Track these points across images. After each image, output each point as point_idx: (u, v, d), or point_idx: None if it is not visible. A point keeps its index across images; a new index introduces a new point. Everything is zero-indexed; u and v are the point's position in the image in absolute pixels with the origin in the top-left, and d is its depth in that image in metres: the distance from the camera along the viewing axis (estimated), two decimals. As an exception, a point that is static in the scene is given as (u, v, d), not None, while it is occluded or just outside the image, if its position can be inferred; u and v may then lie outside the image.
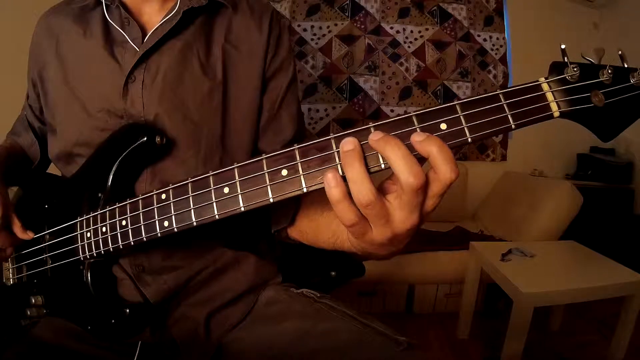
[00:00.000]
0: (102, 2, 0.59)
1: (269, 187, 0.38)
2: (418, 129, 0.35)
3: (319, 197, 0.59)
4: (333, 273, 0.69)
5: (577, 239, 1.77)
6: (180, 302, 0.59)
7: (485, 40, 2.59)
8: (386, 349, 0.51)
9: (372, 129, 0.36)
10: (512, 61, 2.61)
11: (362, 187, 0.34)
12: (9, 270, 0.64)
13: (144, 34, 0.58)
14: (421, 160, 0.34)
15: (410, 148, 0.34)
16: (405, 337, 0.52)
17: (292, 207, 0.62)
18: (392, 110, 2.54)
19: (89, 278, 0.54)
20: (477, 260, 1.66)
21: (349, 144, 0.35)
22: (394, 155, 0.33)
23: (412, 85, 2.55)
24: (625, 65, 0.36)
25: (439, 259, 1.85)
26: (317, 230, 0.58)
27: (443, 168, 0.33)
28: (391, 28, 2.56)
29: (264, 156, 0.39)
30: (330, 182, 0.34)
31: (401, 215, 0.35)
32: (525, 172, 2.45)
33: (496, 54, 2.60)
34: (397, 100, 2.55)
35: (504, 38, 2.61)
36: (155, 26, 0.58)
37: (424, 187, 0.34)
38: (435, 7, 2.56)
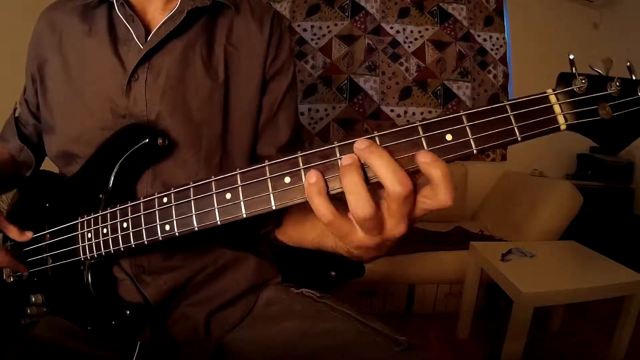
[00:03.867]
0: (106, 0, 0.59)
1: (271, 194, 0.38)
2: (423, 139, 0.35)
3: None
4: (333, 273, 0.69)
5: (577, 239, 1.77)
6: (180, 302, 0.60)
7: (485, 40, 2.60)
8: (386, 349, 0.51)
9: (376, 138, 0.35)
10: (512, 61, 2.61)
11: (359, 200, 0.33)
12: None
13: (148, 32, 0.58)
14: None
15: (412, 161, 0.34)
16: (405, 337, 0.52)
17: (277, 211, 0.62)
18: (392, 110, 2.54)
19: (90, 279, 0.54)
20: (477, 260, 1.66)
21: (349, 158, 0.34)
22: (378, 163, 0.33)
23: (412, 85, 2.55)
24: (633, 77, 0.35)
25: (439, 259, 1.85)
26: (302, 233, 0.58)
27: (442, 194, 0.33)
28: (391, 28, 2.56)
29: (267, 163, 0.39)
30: (310, 179, 0.35)
31: (391, 222, 0.35)
32: (525, 172, 2.45)
33: (496, 54, 2.60)
34: (397, 100, 2.54)
35: (504, 38, 2.61)
36: (158, 24, 0.58)
37: (412, 194, 0.33)
38: (435, 7, 2.57)
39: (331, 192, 0.36)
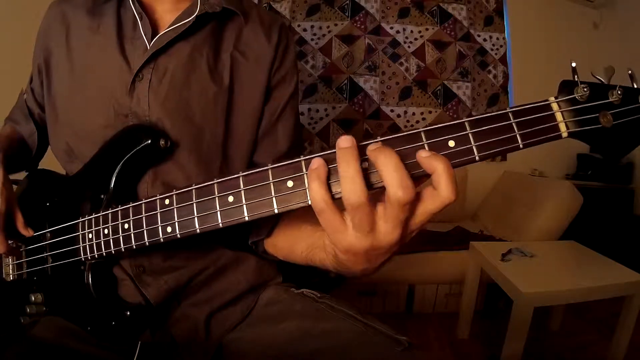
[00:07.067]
0: None
1: (274, 198, 0.38)
2: (426, 145, 0.35)
3: (299, 213, 0.59)
4: (333, 273, 0.69)
5: (577, 239, 1.77)
6: (181, 302, 0.60)
7: (485, 40, 2.60)
8: (386, 349, 0.51)
9: (379, 144, 0.35)
10: (512, 61, 2.61)
11: (355, 186, 0.33)
12: (9, 266, 0.64)
13: (155, 32, 0.58)
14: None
15: (415, 166, 0.34)
16: (405, 337, 0.52)
17: (271, 220, 0.61)
18: (392, 110, 2.54)
19: (90, 279, 0.54)
20: (477, 260, 1.66)
21: (346, 141, 0.34)
22: (386, 162, 0.32)
23: (412, 85, 2.55)
24: (635, 86, 0.36)
25: (439, 259, 1.86)
26: (292, 245, 0.57)
27: (445, 187, 0.32)
28: (391, 28, 2.56)
29: (269, 166, 0.39)
30: (313, 165, 0.35)
31: (385, 227, 0.34)
32: (525, 172, 2.45)
33: (496, 54, 2.60)
34: (397, 100, 2.54)
35: (504, 38, 2.61)
36: (166, 25, 0.58)
37: (412, 203, 0.33)
38: (435, 7, 2.57)
39: (334, 197, 0.35)
